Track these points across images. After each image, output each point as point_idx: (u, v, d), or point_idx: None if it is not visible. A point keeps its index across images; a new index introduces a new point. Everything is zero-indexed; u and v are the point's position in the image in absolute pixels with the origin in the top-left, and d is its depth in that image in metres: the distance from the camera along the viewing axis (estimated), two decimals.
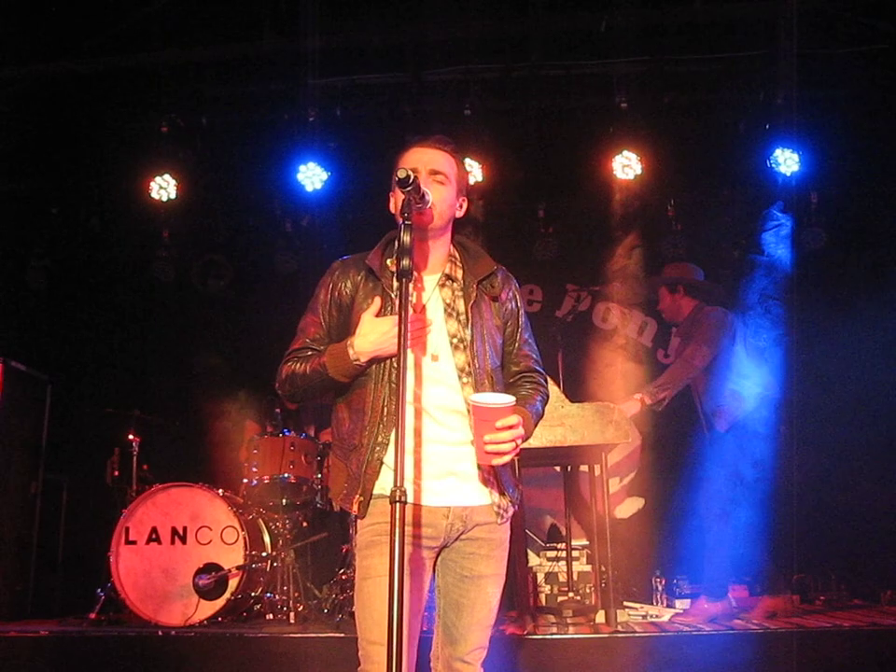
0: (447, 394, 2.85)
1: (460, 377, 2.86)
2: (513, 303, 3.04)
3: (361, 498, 2.82)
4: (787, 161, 7.35)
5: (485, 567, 2.87)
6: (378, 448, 2.81)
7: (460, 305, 2.92)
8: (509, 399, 2.70)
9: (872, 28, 6.97)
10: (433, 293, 2.93)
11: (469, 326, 2.90)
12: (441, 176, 2.92)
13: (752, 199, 7.81)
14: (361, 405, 2.87)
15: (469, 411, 2.78)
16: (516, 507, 2.95)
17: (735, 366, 6.20)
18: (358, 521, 2.87)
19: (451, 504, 2.83)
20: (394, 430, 2.63)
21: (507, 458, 2.76)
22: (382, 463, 2.82)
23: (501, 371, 2.99)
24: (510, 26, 7.19)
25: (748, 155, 7.62)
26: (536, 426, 2.97)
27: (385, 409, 2.82)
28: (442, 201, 2.90)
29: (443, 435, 2.84)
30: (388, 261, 2.93)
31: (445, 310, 2.92)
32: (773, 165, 7.39)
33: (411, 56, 7.44)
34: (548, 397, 3.09)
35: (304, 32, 6.73)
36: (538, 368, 3.07)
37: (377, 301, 2.89)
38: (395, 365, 2.77)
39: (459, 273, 2.97)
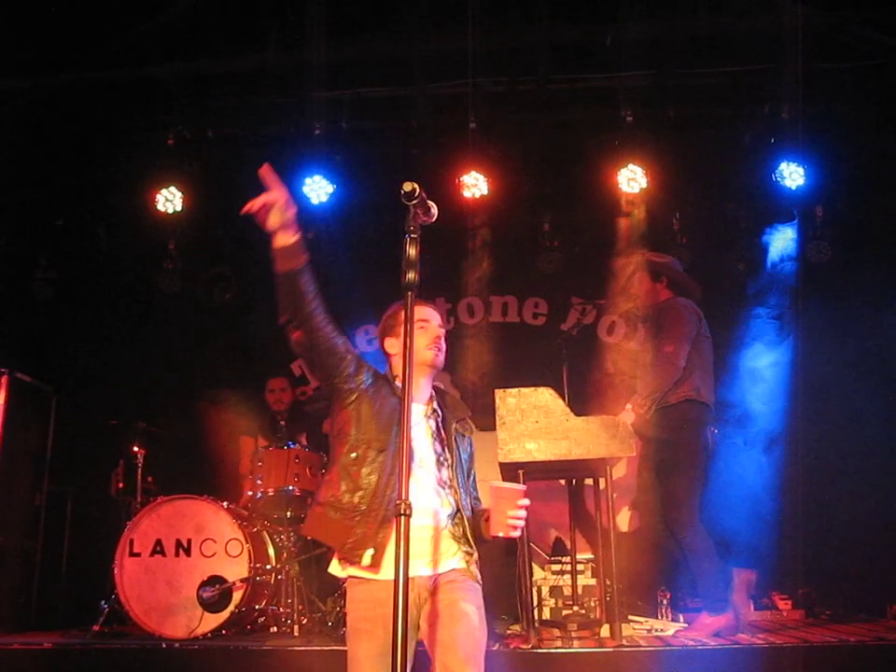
0: (426, 495, 3.29)
1: (442, 487, 3.35)
2: (473, 447, 3.59)
3: (374, 551, 3.21)
4: (792, 175, 7.36)
5: (458, 594, 3.23)
6: (388, 512, 3.20)
7: (442, 433, 3.45)
8: (521, 486, 3.26)
9: (876, 43, 6.98)
10: (423, 420, 3.44)
11: (453, 450, 3.43)
12: (443, 327, 3.58)
13: (758, 212, 7.82)
14: (375, 475, 3.30)
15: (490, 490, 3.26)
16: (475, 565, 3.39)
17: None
18: (348, 594, 3.31)
19: (431, 573, 3.27)
20: (403, 446, 2.78)
21: (517, 533, 3.23)
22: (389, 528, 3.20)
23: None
24: (515, 40, 7.21)
25: (753, 169, 7.63)
26: None
27: (394, 481, 3.25)
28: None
29: (423, 522, 3.26)
30: (397, 382, 3.45)
31: (432, 434, 3.42)
32: (778, 179, 7.40)
33: (416, 70, 7.45)
34: None
35: (310, 45, 6.76)
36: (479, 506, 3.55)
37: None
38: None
39: (441, 409, 3.51)
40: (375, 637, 3.14)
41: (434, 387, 3.59)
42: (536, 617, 5.95)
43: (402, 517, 2.55)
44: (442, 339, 3.51)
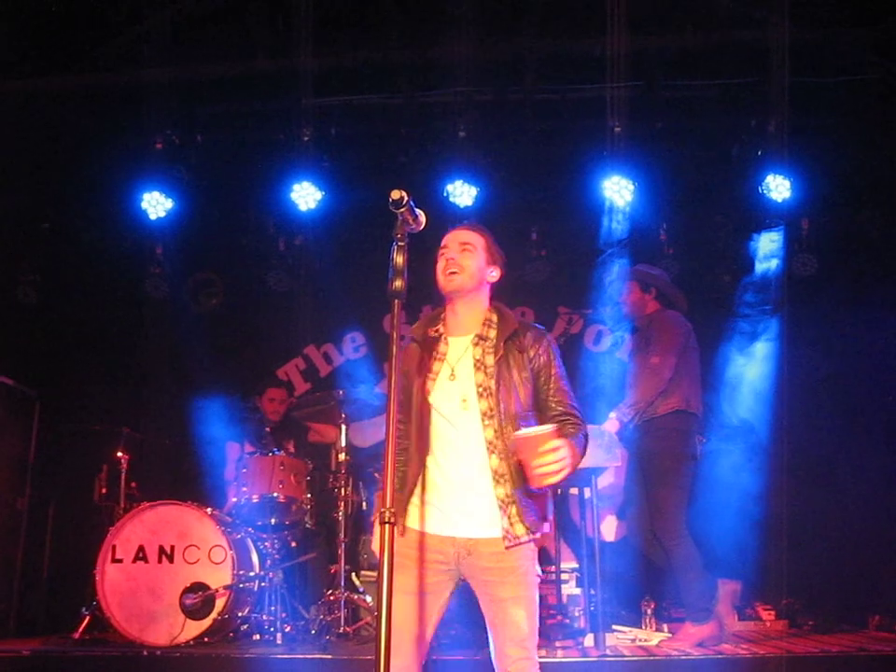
0: (470, 437, 3.26)
1: (483, 420, 3.25)
2: (544, 357, 3.40)
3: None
4: (778, 188, 7.39)
5: (503, 592, 3.21)
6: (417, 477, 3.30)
7: (489, 360, 3.33)
8: (548, 427, 3.09)
9: (861, 59, 7.03)
10: (466, 350, 3.36)
11: (495, 377, 3.29)
12: (468, 246, 3.43)
13: (744, 224, 7.84)
14: (407, 443, 3.35)
15: (500, 449, 3.23)
16: (535, 534, 3.27)
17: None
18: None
19: (456, 535, 3.24)
20: (388, 454, 2.77)
21: (558, 478, 3.09)
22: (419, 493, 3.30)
23: (537, 415, 3.36)
24: (505, 49, 7.23)
25: (740, 180, 7.66)
26: (581, 456, 3.30)
27: (424, 443, 3.29)
28: (470, 266, 3.39)
29: (461, 472, 3.26)
30: (430, 329, 3.43)
31: (475, 364, 3.32)
32: (765, 191, 7.43)
33: (406, 78, 7.47)
34: (586, 436, 3.40)
35: (300, 52, 6.77)
36: (573, 411, 3.40)
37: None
38: (425, 410, 3.31)
39: (492, 334, 3.38)
40: (410, 574, 3.21)
41: (494, 307, 3.50)
42: None
43: (386, 525, 2.55)
44: (459, 260, 3.39)
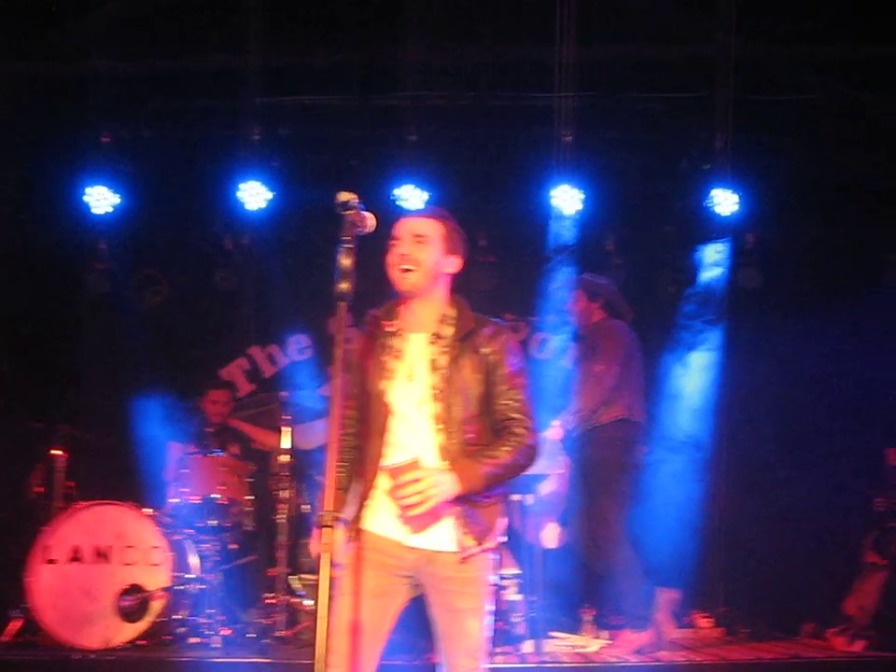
0: (425, 442, 3.11)
1: (436, 424, 3.10)
2: (498, 355, 3.19)
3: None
4: (725, 202, 7.48)
5: (462, 602, 3.10)
6: (373, 479, 3.16)
7: (442, 361, 3.14)
8: (407, 459, 2.99)
9: (808, 77, 7.15)
10: (423, 349, 3.17)
11: (450, 380, 3.11)
12: (423, 238, 3.17)
13: (690, 236, 7.93)
14: (360, 441, 3.22)
15: (451, 456, 3.09)
16: (482, 545, 3.12)
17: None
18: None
19: (416, 545, 3.11)
20: (331, 458, 2.73)
21: (418, 510, 2.97)
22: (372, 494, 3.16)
23: (484, 419, 3.17)
24: (459, 55, 7.23)
25: (688, 193, 7.75)
26: (505, 472, 3.14)
27: (376, 444, 3.14)
28: (425, 261, 3.15)
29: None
30: (386, 323, 3.22)
31: (430, 364, 3.14)
32: (711, 204, 7.52)
33: (359, 80, 7.45)
34: (523, 443, 3.18)
35: (252, 50, 6.72)
36: (515, 416, 3.18)
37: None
38: (380, 407, 3.15)
39: (448, 332, 3.18)
40: (367, 577, 3.10)
41: (452, 301, 3.27)
42: None
43: (325, 529, 2.54)
44: (413, 255, 3.13)
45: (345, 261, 2.72)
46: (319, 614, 2.46)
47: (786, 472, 7.60)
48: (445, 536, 3.10)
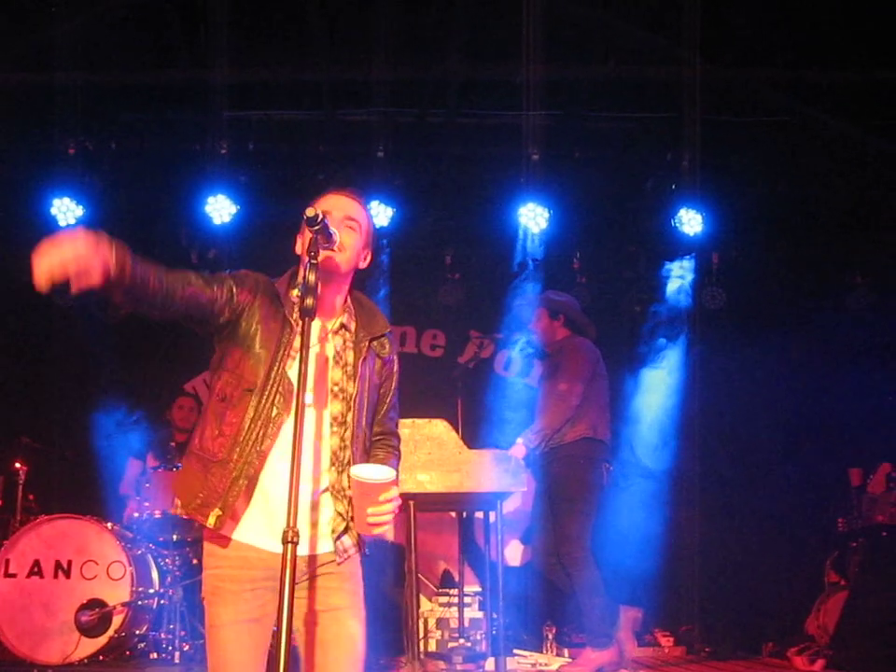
0: (315, 441, 2.81)
1: (332, 425, 2.83)
2: (395, 365, 3.06)
3: (220, 513, 2.73)
4: (690, 222, 7.56)
5: (339, 600, 2.81)
6: (247, 467, 2.74)
7: (349, 357, 2.90)
8: (390, 475, 2.74)
9: (774, 100, 7.24)
10: (327, 338, 2.91)
11: (355, 379, 2.88)
12: (353, 223, 2.94)
13: (656, 256, 8.00)
14: (237, 419, 2.77)
15: (342, 462, 2.81)
16: (362, 548, 2.91)
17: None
18: (206, 550, 2.81)
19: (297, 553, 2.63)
20: (291, 470, 2.49)
21: (385, 528, 2.78)
22: (245, 487, 2.75)
23: (370, 429, 2.99)
24: (427, 72, 7.26)
25: (654, 213, 7.82)
26: None
27: (261, 432, 2.75)
28: (352, 246, 2.90)
29: (302, 483, 2.69)
30: (293, 292, 2.80)
31: (333, 357, 2.89)
32: (677, 224, 7.59)
33: (327, 95, 7.45)
34: (400, 458, 3.11)
35: (220, 64, 6.70)
36: (396, 431, 3.09)
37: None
38: (280, 390, 2.76)
39: (353, 326, 2.95)
40: (243, 600, 2.72)
41: (351, 296, 3.02)
42: (421, 649, 5.93)
43: (289, 545, 2.49)
44: (341, 237, 2.81)
45: (311, 277, 2.70)
46: (284, 629, 2.42)
47: (749, 492, 7.67)
48: (324, 539, 2.83)
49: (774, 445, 7.81)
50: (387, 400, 3.04)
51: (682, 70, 6.76)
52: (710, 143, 7.24)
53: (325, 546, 2.83)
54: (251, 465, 2.74)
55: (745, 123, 7.54)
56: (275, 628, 2.44)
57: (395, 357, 3.07)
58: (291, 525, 2.43)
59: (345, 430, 2.84)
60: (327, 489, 2.83)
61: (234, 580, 2.73)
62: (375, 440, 3.02)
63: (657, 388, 7.60)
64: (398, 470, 3.03)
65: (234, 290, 2.86)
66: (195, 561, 6.64)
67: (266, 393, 2.77)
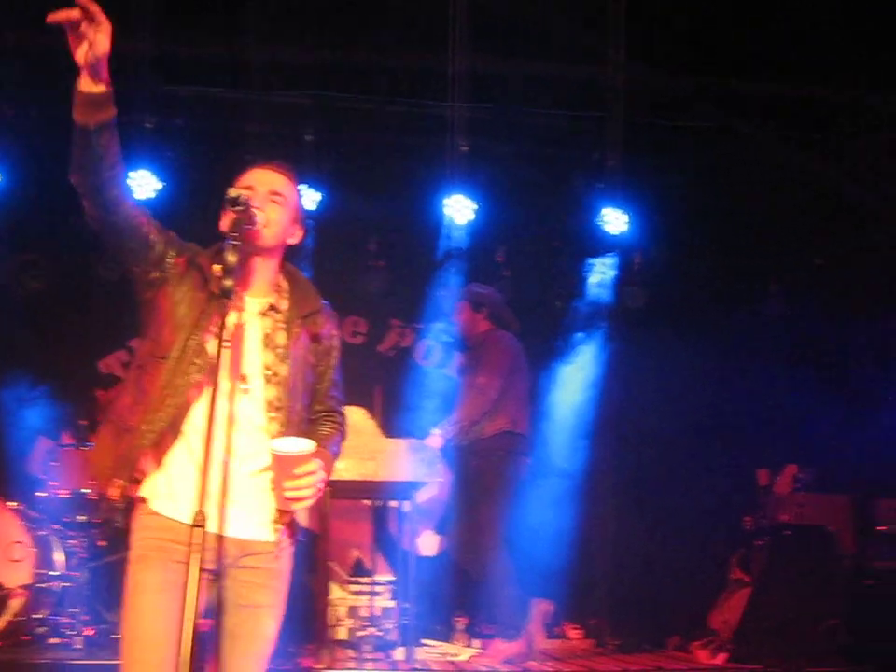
0: (249, 425, 2.74)
1: (268, 411, 2.76)
2: (334, 341, 3.00)
3: (125, 484, 2.68)
4: (615, 221, 7.64)
5: (261, 597, 2.76)
6: (156, 436, 2.68)
7: (280, 338, 2.82)
8: (309, 446, 2.64)
9: (699, 105, 7.36)
10: (254, 319, 2.82)
11: (288, 361, 2.80)
12: (279, 198, 2.85)
13: (580, 253, 8.06)
14: (148, 386, 2.71)
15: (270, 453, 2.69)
16: (295, 542, 2.88)
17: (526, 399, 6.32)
18: (134, 519, 2.73)
19: (228, 534, 2.68)
20: (204, 451, 2.44)
21: (307, 503, 2.70)
22: (156, 457, 2.69)
23: (308, 410, 2.92)
24: (361, 58, 7.21)
25: (580, 210, 7.88)
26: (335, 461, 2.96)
27: (172, 399, 2.69)
28: (278, 222, 2.82)
29: (237, 465, 2.70)
30: (215, 268, 2.72)
31: (263, 339, 2.81)
32: (601, 223, 7.66)
33: (259, 75, 7.34)
34: (345, 436, 3.05)
35: (148, 37, 6.55)
36: (340, 409, 3.03)
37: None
38: (198, 362, 2.69)
39: (284, 305, 2.87)
40: (170, 569, 2.62)
41: (285, 272, 2.94)
42: (331, 637, 5.90)
43: (197, 528, 2.44)
44: (265, 213, 2.76)
45: (231, 258, 2.65)
46: (186, 616, 2.38)
47: (661, 490, 7.79)
48: (259, 524, 2.76)
49: (685, 444, 7.94)
50: (326, 378, 2.96)
51: (610, 70, 6.81)
52: (637, 144, 7.32)
53: (262, 534, 2.77)
54: (161, 435, 2.68)
55: (671, 127, 7.64)
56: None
57: (333, 333, 3.01)
58: (202, 507, 2.40)
59: (282, 415, 2.77)
60: (263, 478, 2.74)
61: (160, 549, 2.65)
62: (318, 417, 2.96)
63: (572, 385, 7.66)
64: (339, 450, 2.99)
65: (171, 253, 2.80)
66: (102, 543, 6.50)
67: (181, 363, 2.70)
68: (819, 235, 8.11)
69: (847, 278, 8.15)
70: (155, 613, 2.61)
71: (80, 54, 2.53)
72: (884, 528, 7.07)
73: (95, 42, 2.52)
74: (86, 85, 2.60)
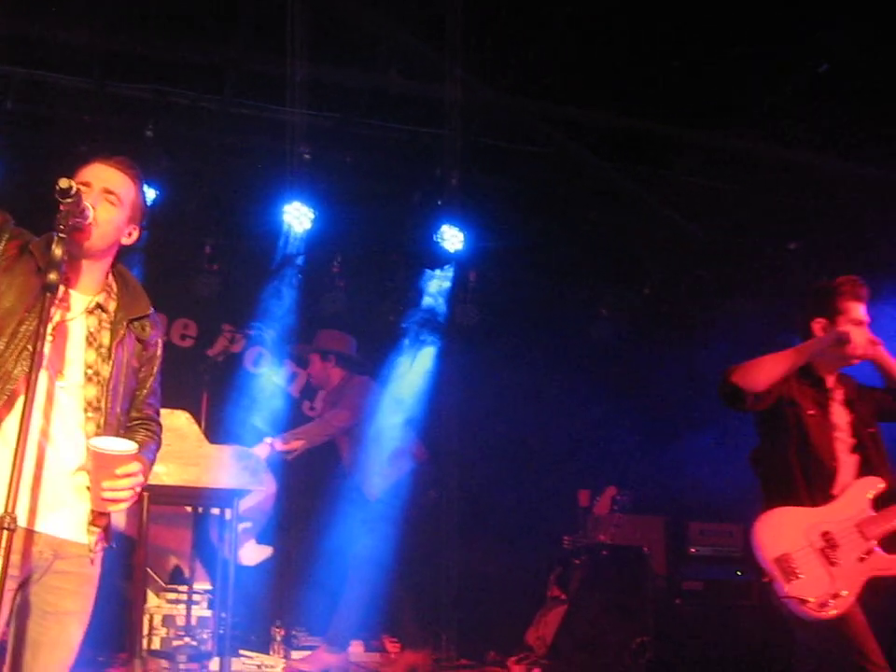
0: (67, 423, 2.69)
1: (86, 411, 2.71)
2: (155, 349, 2.95)
3: None
4: (452, 238, 7.74)
5: (71, 604, 2.69)
6: None
7: (104, 338, 2.77)
8: (131, 447, 2.60)
9: (538, 129, 7.54)
10: (79, 317, 2.76)
11: (111, 363, 2.75)
12: (113, 197, 2.78)
13: (416, 268, 8.14)
14: None
15: (88, 450, 2.62)
16: (109, 546, 2.81)
17: (382, 435, 6.43)
18: None
19: (43, 531, 2.62)
20: (15, 451, 2.36)
21: (124, 506, 2.66)
22: None
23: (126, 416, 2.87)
24: (208, 56, 7.06)
25: (418, 226, 7.95)
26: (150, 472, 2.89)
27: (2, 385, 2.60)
28: (109, 222, 2.76)
29: (54, 462, 2.65)
30: (43, 260, 2.67)
31: (87, 338, 2.75)
32: (439, 239, 7.75)
33: (99, 64, 7.09)
34: (160, 445, 3.01)
35: None
36: (157, 418, 2.99)
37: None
38: (28, 348, 2.58)
39: (112, 306, 2.82)
40: None
41: (116, 273, 2.87)
42: (144, 646, 5.75)
43: (5, 532, 2.34)
44: (96, 213, 2.68)
45: (57, 251, 2.56)
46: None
47: (484, 509, 7.94)
48: (76, 524, 2.69)
49: (509, 464, 8.12)
50: (147, 385, 2.92)
51: (449, 88, 6.88)
52: (478, 164, 7.44)
53: (77, 535, 2.69)
54: None
55: (511, 149, 7.79)
56: None
57: (158, 341, 2.96)
58: (10, 510, 2.31)
59: (100, 416, 2.72)
60: (79, 478, 2.67)
61: None
62: (134, 424, 2.90)
63: (406, 397, 7.71)
64: (154, 458, 2.94)
65: (4, 237, 2.75)
66: None
67: (12, 349, 2.62)
68: (649, 264, 8.45)
69: (669, 307, 8.53)
70: None
71: None
72: (694, 550, 7.40)
73: None
74: None
